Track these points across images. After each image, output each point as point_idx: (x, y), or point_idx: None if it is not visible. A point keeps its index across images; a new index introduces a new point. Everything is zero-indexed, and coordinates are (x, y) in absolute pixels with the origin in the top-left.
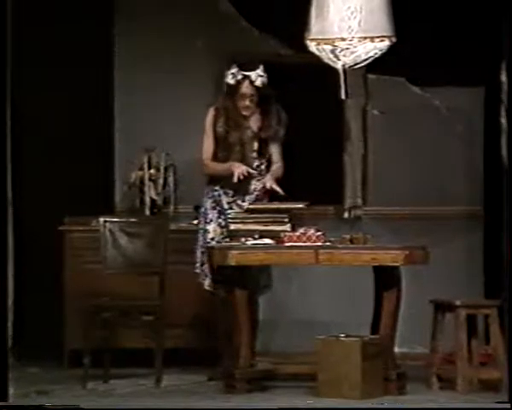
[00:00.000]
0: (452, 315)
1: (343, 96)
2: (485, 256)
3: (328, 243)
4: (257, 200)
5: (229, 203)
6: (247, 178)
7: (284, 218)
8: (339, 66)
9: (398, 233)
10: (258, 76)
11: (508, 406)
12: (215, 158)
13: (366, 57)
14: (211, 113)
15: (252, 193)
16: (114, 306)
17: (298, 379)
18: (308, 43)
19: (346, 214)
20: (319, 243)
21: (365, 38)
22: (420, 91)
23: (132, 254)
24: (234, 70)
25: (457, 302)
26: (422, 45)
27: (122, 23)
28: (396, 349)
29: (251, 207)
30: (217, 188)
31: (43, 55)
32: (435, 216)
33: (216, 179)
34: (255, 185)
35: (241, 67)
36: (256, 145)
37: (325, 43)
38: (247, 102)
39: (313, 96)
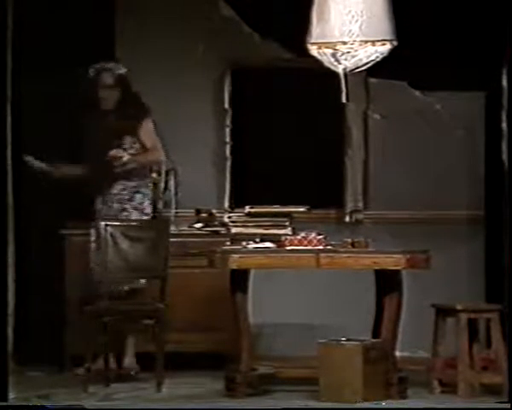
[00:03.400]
0: (454, 319)
1: (344, 100)
2: (486, 260)
3: (329, 247)
4: (121, 200)
5: (102, 203)
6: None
7: (285, 221)
8: (340, 70)
9: (400, 237)
10: (116, 66)
11: (508, 406)
12: (89, 166)
13: (367, 61)
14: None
15: (116, 194)
16: (115, 310)
17: (299, 383)
18: (309, 47)
19: (347, 218)
20: (320, 247)
21: (366, 41)
22: (421, 96)
23: (133, 257)
24: (91, 68)
25: (459, 307)
26: (424, 49)
27: (122, 27)
28: (397, 353)
29: (252, 210)
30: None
31: (43, 55)
32: (436, 220)
33: (90, 184)
34: (123, 185)
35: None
36: (117, 142)
37: (326, 47)
38: (105, 94)
39: (314, 100)
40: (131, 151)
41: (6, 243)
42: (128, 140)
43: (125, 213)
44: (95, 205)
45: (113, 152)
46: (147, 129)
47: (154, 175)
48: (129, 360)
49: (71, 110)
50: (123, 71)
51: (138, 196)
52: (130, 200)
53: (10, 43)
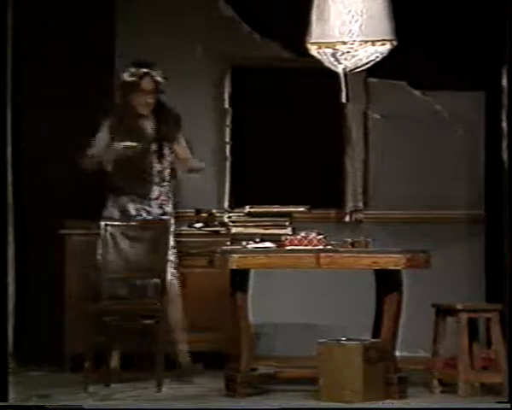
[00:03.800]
0: (454, 319)
1: (344, 100)
2: (486, 260)
3: (329, 247)
4: (162, 204)
5: (136, 210)
6: (147, 182)
7: (285, 221)
8: (340, 69)
9: (400, 237)
10: (157, 73)
11: (508, 406)
12: (120, 168)
13: (367, 61)
14: (106, 124)
15: (157, 198)
16: (115, 310)
17: (299, 383)
18: (309, 46)
19: (347, 218)
20: (320, 247)
21: (366, 41)
22: (421, 95)
23: (133, 257)
24: (129, 68)
25: (459, 306)
26: (423, 49)
27: (122, 26)
28: (397, 353)
29: (252, 210)
30: (122, 196)
31: (43, 56)
32: (436, 220)
33: (119, 187)
34: (159, 190)
35: (136, 64)
36: (155, 148)
37: (326, 47)
38: (149, 100)
39: (314, 99)
40: (170, 158)
41: (6, 242)
42: (166, 146)
43: (166, 218)
44: (107, 206)
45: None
46: (181, 136)
47: None
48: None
49: (71, 110)
50: (161, 77)
51: (171, 201)
52: (168, 204)
53: (10, 42)
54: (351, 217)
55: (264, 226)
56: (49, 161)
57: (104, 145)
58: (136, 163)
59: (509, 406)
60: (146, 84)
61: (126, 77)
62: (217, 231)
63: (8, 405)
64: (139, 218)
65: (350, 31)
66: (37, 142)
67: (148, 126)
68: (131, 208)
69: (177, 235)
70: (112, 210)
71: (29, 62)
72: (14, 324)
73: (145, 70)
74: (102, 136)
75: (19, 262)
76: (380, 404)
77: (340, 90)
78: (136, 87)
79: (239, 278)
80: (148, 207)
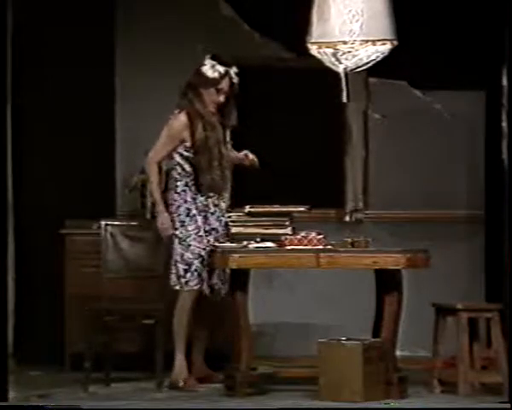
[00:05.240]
0: (454, 319)
1: (344, 100)
2: (486, 260)
3: (329, 247)
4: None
5: (215, 206)
6: (224, 178)
7: (285, 221)
8: (340, 69)
9: (400, 237)
10: (235, 73)
11: (508, 406)
12: (198, 165)
13: (368, 61)
14: (182, 117)
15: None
16: (115, 310)
17: (299, 383)
18: (309, 46)
19: (347, 218)
20: (320, 247)
21: (367, 41)
22: (421, 95)
23: (133, 257)
24: (211, 63)
25: (459, 306)
26: (424, 49)
27: (122, 27)
28: (397, 353)
29: (252, 210)
30: (203, 193)
31: (43, 57)
32: (437, 220)
33: (199, 183)
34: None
35: (218, 60)
36: (228, 139)
37: (326, 47)
38: (222, 99)
39: (314, 99)
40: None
41: (6, 241)
42: (229, 145)
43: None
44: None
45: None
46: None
47: None
48: None
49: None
50: (237, 81)
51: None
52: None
53: (10, 42)
54: (351, 217)
55: (265, 226)
56: (50, 161)
57: (181, 143)
58: (214, 159)
59: (508, 406)
60: (225, 83)
61: (208, 72)
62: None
63: (8, 405)
64: (217, 214)
65: (350, 30)
66: (38, 142)
67: (216, 124)
68: (211, 205)
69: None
70: (191, 207)
71: (29, 62)
72: (14, 324)
73: (227, 69)
74: (179, 133)
75: (19, 261)
76: (380, 404)
77: (340, 90)
78: (214, 84)
79: (239, 278)
80: (222, 203)
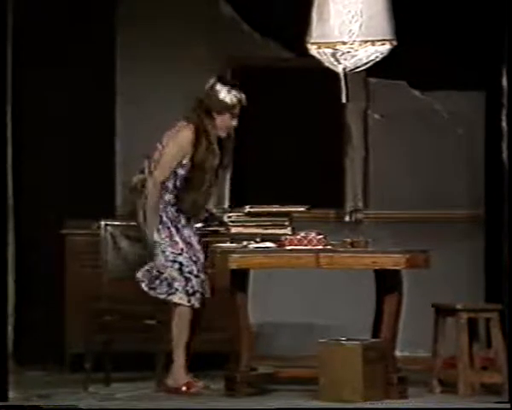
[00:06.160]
0: (454, 319)
1: (344, 100)
2: (486, 260)
3: (329, 247)
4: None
5: (187, 221)
6: (204, 206)
7: (285, 221)
8: (340, 69)
9: (400, 237)
10: (244, 99)
11: (508, 406)
12: (188, 183)
13: (367, 61)
14: (189, 131)
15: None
16: (115, 309)
17: (299, 383)
18: (309, 46)
19: (346, 218)
20: (320, 247)
21: (366, 41)
22: (421, 95)
23: (133, 257)
24: (226, 87)
25: (459, 306)
26: (423, 49)
27: (123, 27)
28: (397, 353)
29: (252, 210)
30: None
31: (44, 57)
32: (436, 220)
33: (180, 201)
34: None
35: (230, 84)
36: (215, 174)
37: (326, 47)
38: (235, 123)
39: (314, 99)
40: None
41: (6, 242)
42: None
43: None
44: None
45: None
46: None
47: None
48: None
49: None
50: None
51: None
52: None
53: (11, 42)
54: (350, 217)
55: (264, 226)
56: (50, 161)
57: (183, 159)
58: (204, 183)
59: (508, 406)
60: (237, 109)
61: (227, 98)
62: (216, 231)
63: (8, 405)
64: (191, 230)
65: (350, 31)
66: (37, 142)
67: (217, 152)
68: (182, 218)
69: None
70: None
71: (29, 62)
72: (14, 324)
73: (241, 93)
74: (184, 148)
75: (19, 261)
76: (380, 404)
77: (339, 90)
78: (228, 109)
79: (239, 278)
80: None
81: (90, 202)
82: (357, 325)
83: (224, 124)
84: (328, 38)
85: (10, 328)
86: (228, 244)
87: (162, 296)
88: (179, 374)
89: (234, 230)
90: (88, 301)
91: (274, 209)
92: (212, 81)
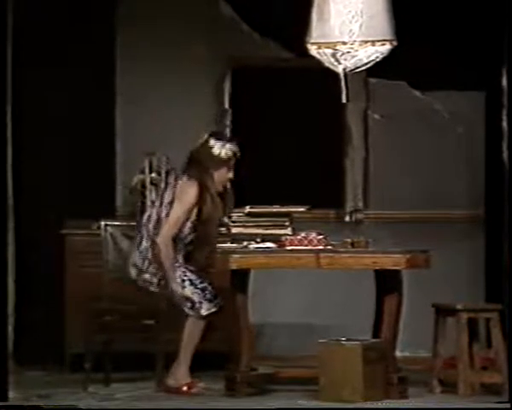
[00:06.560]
0: (454, 319)
1: (344, 100)
2: (486, 260)
3: (329, 247)
4: None
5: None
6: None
7: (285, 221)
8: (340, 70)
9: (400, 237)
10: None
11: (508, 406)
12: (196, 239)
13: (367, 61)
14: (193, 188)
15: None
16: (115, 310)
17: (299, 383)
18: (309, 46)
19: (347, 218)
20: (320, 247)
21: (366, 41)
22: (421, 95)
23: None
24: (219, 142)
25: (459, 306)
26: (423, 49)
27: (122, 27)
28: (397, 353)
29: (252, 210)
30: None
31: (44, 57)
32: (437, 220)
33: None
34: None
35: (224, 139)
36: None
37: (326, 47)
38: (231, 175)
39: (314, 100)
40: None
41: (6, 242)
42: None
43: None
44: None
45: None
46: None
47: (154, 175)
48: None
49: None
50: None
51: None
52: None
53: (11, 42)
54: (351, 217)
55: (265, 226)
56: (50, 161)
57: (190, 216)
58: (211, 238)
59: (508, 406)
60: (233, 162)
61: (222, 153)
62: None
63: (8, 405)
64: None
65: (350, 31)
66: (37, 142)
67: (220, 206)
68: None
69: None
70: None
71: (29, 62)
72: (14, 324)
73: (235, 146)
74: (191, 205)
75: (19, 261)
76: (380, 404)
77: (340, 91)
78: (225, 164)
79: (239, 278)
80: None
81: (90, 202)
82: (357, 326)
83: (221, 178)
84: (329, 38)
85: (10, 328)
86: (228, 245)
87: (191, 313)
88: (181, 374)
89: (234, 230)
90: (88, 301)
91: (274, 209)
92: (205, 137)
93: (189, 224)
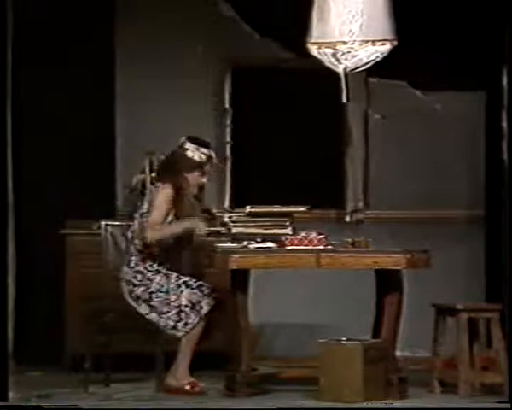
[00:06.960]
0: (454, 319)
1: (344, 100)
2: (486, 260)
3: (329, 247)
4: None
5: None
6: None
7: (285, 221)
8: (340, 70)
9: (400, 237)
10: (215, 156)
11: (508, 406)
12: (174, 240)
13: (367, 61)
14: (169, 189)
15: None
16: (115, 310)
17: (299, 383)
18: (309, 46)
19: (347, 218)
20: (321, 247)
21: (367, 41)
22: (421, 95)
23: None
24: (194, 146)
25: (459, 306)
26: (424, 49)
27: (122, 27)
28: (397, 353)
29: (252, 210)
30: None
31: (44, 57)
32: (437, 220)
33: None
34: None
35: (199, 143)
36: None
37: (326, 47)
38: (205, 180)
39: (314, 99)
40: None
41: (6, 241)
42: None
43: None
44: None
45: None
46: None
47: (154, 175)
48: None
49: (71, 110)
50: (216, 162)
51: None
52: None
53: (10, 42)
54: (351, 217)
55: (265, 226)
56: (50, 161)
57: (168, 216)
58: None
59: (508, 406)
60: (208, 167)
61: (195, 156)
62: (217, 231)
63: (8, 405)
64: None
65: (350, 30)
66: (37, 142)
67: (197, 207)
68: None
69: None
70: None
71: (29, 62)
72: (14, 324)
73: (210, 151)
74: (168, 203)
75: (19, 261)
76: (380, 404)
77: (340, 91)
78: (199, 168)
79: (239, 278)
80: None
81: (91, 202)
82: (357, 325)
83: (195, 182)
84: (329, 38)
85: (10, 328)
86: (228, 244)
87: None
88: (183, 374)
89: (234, 230)
90: (88, 301)
91: (275, 209)
92: (181, 140)
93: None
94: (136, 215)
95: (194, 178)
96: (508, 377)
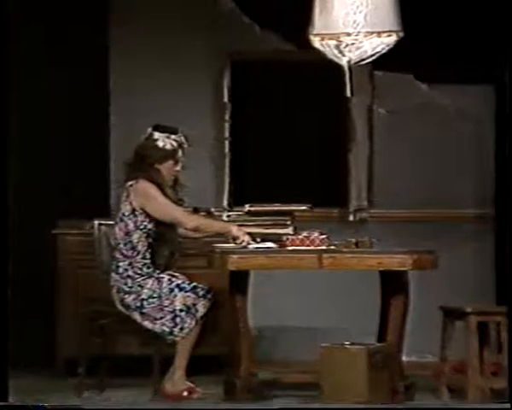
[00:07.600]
0: (463, 322)
1: (348, 94)
2: (496, 260)
3: (332, 247)
4: None
5: None
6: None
7: (286, 220)
8: (344, 62)
9: (406, 237)
10: (186, 141)
11: (508, 406)
12: (148, 235)
13: (372, 53)
14: (145, 183)
15: None
16: (110, 312)
17: (300, 388)
18: (312, 38)
19: (350, 217)
20: (323, 247)
21: (371, 32)
22: (428, 89)
23: None
24: (163, 135)
25: (468, 309)
26: (431, 41)
27: (118, 23)
28: (404, 358)
29: (252, 209)
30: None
31: (40, 57)
32: (444, 219)
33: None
34: None
35: (168, 130)
36: None
37: (329, 39)
38: (179, 168)
39: (317, 94)
40: None
41: (6, 243)
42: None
43: None
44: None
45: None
46: None
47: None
48: None
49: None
50: (187, 146)
51: None
52: None
53: (10, 42)
54: (355, 216)
55: (265, 226)
56: (43, 161)
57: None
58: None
59: (508, 406)
60: (181, 154)
61: (167, 145)
62: None
63: (8, 405)
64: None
65: (354, 21)
66: (32, 141)
67: (174, 198)
68: None
69: None
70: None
71: (29, 62)
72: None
73: (180, 137)
74: (160, 192)
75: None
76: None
77: (344, 84)
78: (172, 156)
79: (238, 280)
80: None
81: (84, 202)
82: (361, 329)
83: (169, 172)
84: (332, 30)
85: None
86: (227, 244)
87: (188, 322)
88: (180, 379)
89: None
90: (82, 302)
91: (275, 208)
92: (148, 131)
93: (150, 221)
94: (117, 219)
95: (167, 168)
96: (508, 378)
